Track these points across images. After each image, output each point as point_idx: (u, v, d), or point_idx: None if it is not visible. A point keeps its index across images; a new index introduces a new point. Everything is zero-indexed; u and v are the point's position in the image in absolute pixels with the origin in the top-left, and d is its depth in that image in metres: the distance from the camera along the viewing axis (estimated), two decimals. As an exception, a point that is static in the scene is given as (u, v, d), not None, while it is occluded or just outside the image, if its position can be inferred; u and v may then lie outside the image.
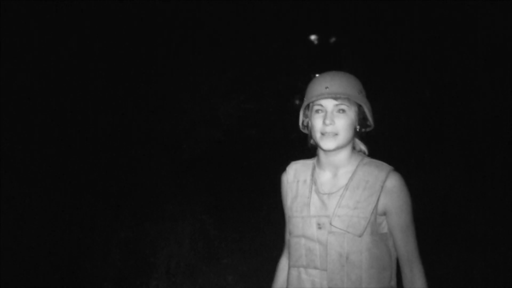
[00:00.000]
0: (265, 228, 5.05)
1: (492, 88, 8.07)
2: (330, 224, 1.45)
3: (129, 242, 4.70)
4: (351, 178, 1.47)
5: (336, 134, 1.43)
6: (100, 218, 5.25)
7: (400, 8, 8.65)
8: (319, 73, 1.53)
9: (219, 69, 7.02)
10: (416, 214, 1.48)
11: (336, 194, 1.47)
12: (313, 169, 1.58)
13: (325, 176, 1.53)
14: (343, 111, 1.43)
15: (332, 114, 1.43)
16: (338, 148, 1.45)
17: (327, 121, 1.42)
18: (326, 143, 1.44)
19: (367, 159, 1.51)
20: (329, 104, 1.43)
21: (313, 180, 1.55)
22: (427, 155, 7.65)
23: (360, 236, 1.42)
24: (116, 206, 5.58)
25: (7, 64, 4.83)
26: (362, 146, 1.56)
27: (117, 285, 3.86)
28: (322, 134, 1.44)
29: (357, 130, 1.48)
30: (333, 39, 11.12)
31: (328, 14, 9.73)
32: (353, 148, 1.53)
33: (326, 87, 1.43)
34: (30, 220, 4.99)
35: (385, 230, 1.47)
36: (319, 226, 1.48)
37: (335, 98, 1.42)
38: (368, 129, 1.52)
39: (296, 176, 1.62)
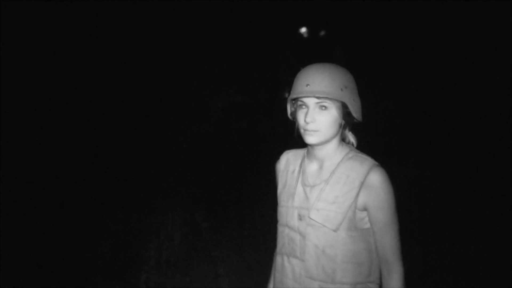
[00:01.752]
0: (255, 220, 5.08)
1: (481, 83, 8.14)
2: (309, 216, 1.47)
3: (119, 235, 4.71)
4: (333, 172, 1.47)
5: (317, 131, 1.42)
6: (89, 211, 5.25)
7: (390, 3, 8.68)
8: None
9: (208, 63, 7.01)
10: (400, 213, 1.44)
11: (318, 187, 1.48)
12: (303, 159, 1.59)
13: (312, 167, 1.54)
14: (325, 107, 1.41)
15: (313, 111, 1.42)
16: (322, 143, 1.45)
17: (308, 119, 1.41)
18: (308, 138, 1.44)
19: (353, 153, 1.49)
20: (310, 101, 1.42)
21: (301, 171, 1.56)
22: (417, 149, 7.71)
23: (335, 231, 1.42)
24: (105, 199, 5.58)
25: (7, 63, 4.81)
26: (351, 138, 1.53)
27: (107, 277, 3.86)
28: (304, 130, 1.43)
29: (342, 125, 1.46)
30: (322, 33, 11.13)
31: (318, 8, 9.74)
32: (343, 139, 1.52)
33: (307, 85, 1.41)
34: (19, 213, 4.98)
35: (367, 225, 1.45)
36: (300, 218, 1.50)
37: (315, 97, 1.41)
38: (355, 121, 1.49)
39: (286, 166, 1.63)
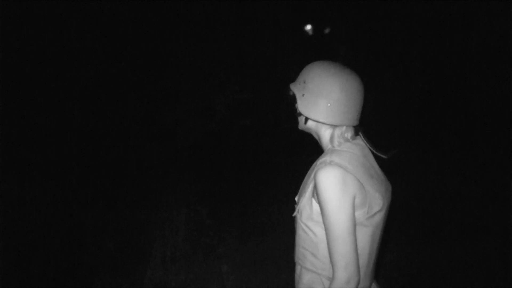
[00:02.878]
0: (260, 218, 5.09)
1: (485, 82, 8.10)
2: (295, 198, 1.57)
3: (124, 232, 4.73)
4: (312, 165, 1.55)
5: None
6: (94, 208, 5.27)
7: (395, 1, 8.65)
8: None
9: (213, 59, 7.00)
10: (344, 219, 1.34)
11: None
12: None
13: None
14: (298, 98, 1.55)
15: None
16: (302, 131, 1.62)
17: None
18: None
19: (329, 150, 1.50)
20: None
21: None
22: (420, 146, 7.69)
23: (299, 219, 1.51)
24: (111, 196, 5.60)
25: (7, 63, 4.83)
26: (336, 134, 1.52)
27: (113, 274, 3.88)
28: None
29: (300, 119, 1.58)
30: (327, 30, 11.11)
31: (322, 5, 9.72)
32: (334, 139, 1.52)
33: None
34: (25, 211, 5.00)
35: None
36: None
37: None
38: (311, 118, 1.51)
39: None
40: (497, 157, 6.84)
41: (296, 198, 1.56)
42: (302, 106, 1.51)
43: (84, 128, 6.01)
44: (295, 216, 1.55)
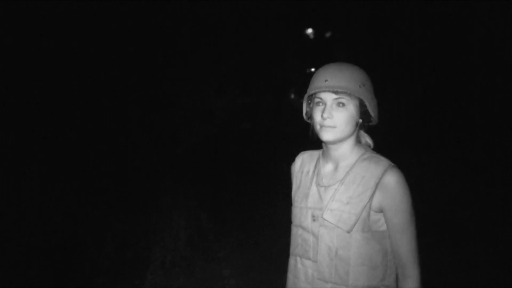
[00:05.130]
0: (260, 221, 5.08)
1: (486, 84, 8.10)
2: (322, 217, 1.45)
3: (124, 236, 4.72)
4: (348, 173, 1.45)
5: (334, 127, 1.40)
6: (95, 211, 5.26)
7: (395, 3, 8.66)
8: (313, 68, 1.54)
9: (214, 63, 7.00)
10: (416, 215, 1.43)
11: (332, 187, 1.46)
12: (318, 160, 1.58)
13: (327, 168, 1.53)
14: (343, 104, 1.40)
15: (331, 107, 1.41)
16: (338, 140, 1.44)
17: (325, 115, 1.40)
18: (324, 135, 1.42)
19: (369, 154, 1.46)
20: (328, 97, 1.41)
21: (316, 172, 1.55)
22: (421, 150, 7.69)
23: (349, 232, 1.40)
24: (111, 200, 5.60)
25: (8, 63, 4.83)
26: (368, 139, 1.53)
27: (112, 278, 3.87)
28: (321, 126, 1.42)
29: (358, 124, 1.45)
30: (327, 34, 11.12)
31: (322, 9, 9.73)
32: (359, 141, 1.51)
33: (326, 80, 1.41)
34: (25, 214, 5.00)
35: (383, 227, 1.42)
36: (314, 218, 1.48)
37: (334, 92, 1.40)
38: (371, 123, 1.49)
39: (301, 167, 1.62)
40: (497, 159, 6.83)
41: (327, 217, 1.44)
42: (372, 110, 1.44)
43: (84, 132, 6.01)
44: (321, 232, 1.45)
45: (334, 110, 1.41)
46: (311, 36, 11.00)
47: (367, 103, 1.41)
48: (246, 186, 6.30)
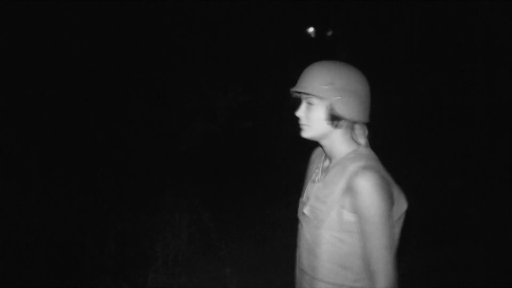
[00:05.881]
0: (263, 220, 5.08)
1: (488, 82, 8.09)
2: (303, 211, 1.52)
3: (126, 234, 4.72)
4: (330, 170, 1.47)
5: (307, 126, 1.46)
6: (96, 210, 5.26)
7: (397, 2, 8.65)
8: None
9: (215, 62, 7.00)
10: (389, 221, 1.32)
11: (318, 183, 1.51)
12: (324, 156, 1.61)
13: (325, 164, 1.56)
14: (311, 104, 1.44)
15: (303, 106, 1.47)
16: (316, 138, 1.49)
17: (297, 113, 1.48)
18: (301, 133, 1.49)
19: (355, 153, 1.44)
20: (302, 97, 1.48)
21: (318, 167, 1.59)
22: (421, 148, 7.68)
23: (319, 228, 1.42)
24: (113, 198, 5.60)
25: (8, 63, 4.83)
26: (360, 138, 1.50)
27: (115, 277, 3.87)
28: (299, 124, 1.49)
29: (333, 122, 1.43)
30: (329, 33, 11.11)
31: (324, 8, 9.72)
32: (353, 139, 1.48)
33: (298, 81, 1.48)
34: (27, 213, 5.00)
35: (358, 229, 1.39)
36: (302, 212, 1.55)
37: (298, 92, 1.47)
38: (349, 120, 1.44)
39: (312, 161, 1.69)
40: (499, 159, 6.82)
41: (303, 201, 1.52)
42: (341, 109, 1.40)
43: (86, 130, 6.01)
44: (303, 225, 1.52)
45: (306, 109, 1.46)
46: (313, 35, 10.98)
47: (333, 103, 1.40)
48: (248, 185, 6.29)
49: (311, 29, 10.90)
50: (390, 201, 1.34)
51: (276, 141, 7.94)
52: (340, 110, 1.40)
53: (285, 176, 5.65)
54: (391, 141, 7.07)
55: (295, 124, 1.59)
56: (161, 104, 6.64)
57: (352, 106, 1.41)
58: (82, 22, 5.63)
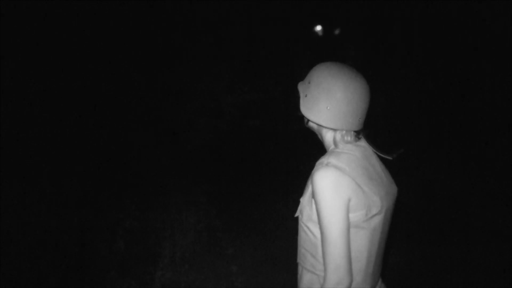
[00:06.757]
0: (269, 218, 5.09)
1: (493, 81, 8.05)
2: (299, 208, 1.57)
3: (134, 232, 4.75)
4: None
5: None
6: (104, 208, 5.30)
7: (403, 2, 8.62)
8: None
9: (223, 60, 7.02)
10: (338, 221, 1.32)
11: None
12: None
13: None
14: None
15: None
16: (314, 131, 1.60)
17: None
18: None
19: (330, 151, 1.48)
20: None
21: None
22: (427, 146, 7.65)
23: (300, 220, 1.51)
24: (121, 196, 5.63)
25: (10, 63, 4.86)
26: (337, 137, 1.49)
27: (123, 274, 3.90)
28: None
29: (313, 120, 1.48)
30: (336, 31, 11.08)
31: (331, 6, 9.70)
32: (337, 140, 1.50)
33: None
34: (35, 210, 5.04)
35: None
36: (299, 209, 1.58)
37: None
38: (313, 120, 1.47)
39: None
40: (501, 158, 6.78)
41: (300, 199, 1.55)
42: (303, 107, 1.50)
43: (95, 129, 6.05)
44: (298, 217, 1.56)
45: None
46: (321, 33, 10.96)
47: (300, 98, 1.52)
48: (255, 183, 6.30)
49: (318, 28, 10.88)
50: (342, 199, 1.34)
51: (283, 139, 7.94)
52: (302, 108, 1.51)
53: (293, 174, 5.66)
54: (397, 140, 7.05)
55: (301, 123, 1.61)
56: (168, 102, 6.67)
57: (318, 110, 1.45)
58: (95, 18, 5.65)
